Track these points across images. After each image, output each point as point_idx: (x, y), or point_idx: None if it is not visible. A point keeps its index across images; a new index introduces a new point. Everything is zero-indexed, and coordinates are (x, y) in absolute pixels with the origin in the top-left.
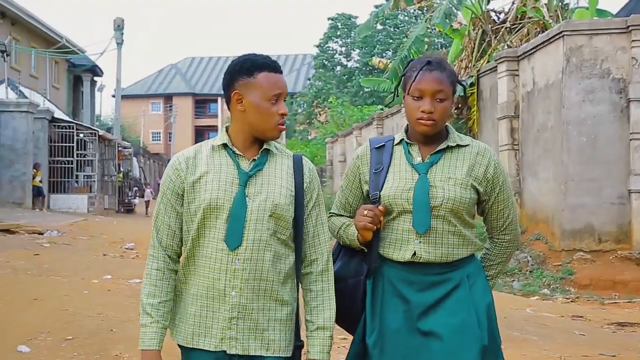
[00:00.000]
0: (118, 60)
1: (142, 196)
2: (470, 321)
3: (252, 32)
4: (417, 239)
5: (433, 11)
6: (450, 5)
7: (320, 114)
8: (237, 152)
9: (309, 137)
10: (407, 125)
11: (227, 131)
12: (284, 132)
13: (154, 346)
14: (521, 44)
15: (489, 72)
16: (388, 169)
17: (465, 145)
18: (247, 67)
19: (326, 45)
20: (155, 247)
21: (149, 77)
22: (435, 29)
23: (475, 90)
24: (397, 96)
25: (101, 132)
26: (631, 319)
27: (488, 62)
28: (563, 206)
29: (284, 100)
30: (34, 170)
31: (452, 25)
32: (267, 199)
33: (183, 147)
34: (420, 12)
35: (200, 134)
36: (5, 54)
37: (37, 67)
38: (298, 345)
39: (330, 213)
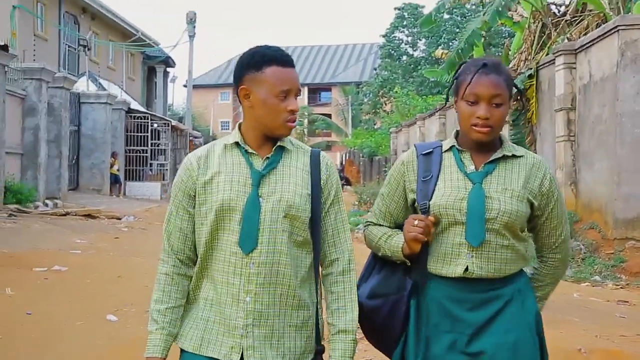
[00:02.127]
0: (190, 53)
1: None
2: (525, 339)
3: (321, 22)
4: (470, 253)
5: (491, 5)
6: (505, 4)
7: (385, 104)
8: (250, 150)
9: (375, 127)
10: (457, 131)
11: (239, 129)
12: (349, 121)
13: (158, 353)
14: (580, 37)
15: (547, 64)
16: (438, 176)
17: (520, 156)
18: (256, 60)
19: (392, 35)
20: (166, 251)
21: (219, 67)
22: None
23: (534, 82)
24: (448, 101)
25: (174, 123)
26: None
27: (547, 54)
28: (616, 196)
29: (297, 95)
30: (112, 158)
31: (512, 18)
32: (282, 198)
33: None
34: (484, 3)
35: None
36: (86, 49)
37: (115, 60)
38: (319, 350)
39: (367, 222)
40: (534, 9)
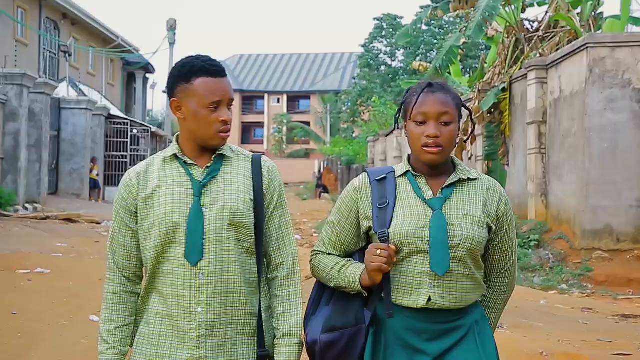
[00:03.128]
0: (170, 60)
1: None
2: None
3: (299, 30)
4: (431, 283)
5: (468, 21)
6: (483, 17)
7: (364, 113)
8: (189, 161)
9: (353, 135)
10: (409, 155)
11: (177, 141)
12: (328, 129)
13: None
14: (552, 53)
15: (520, 78)
16: (395, 203)
17: (474, 179)
18: (185, 72)
19: (371, 45)
20: (112, 269)
21: None
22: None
23: (507, 96)
24: (398, 126)
25: (153, 129)
26: (637, 312)
27: (520, 69)
28: (584, 208)
29: (229, 105)
30: (91, 163)
31: (487, 33)
32: (225, 206)
33: (230, 142)
34: (460, 17)
35: (247, 130)
36: (67, 54)
37: (95, 65)
38: (262, 355)
39: (314, 251)
40: (507, 24)
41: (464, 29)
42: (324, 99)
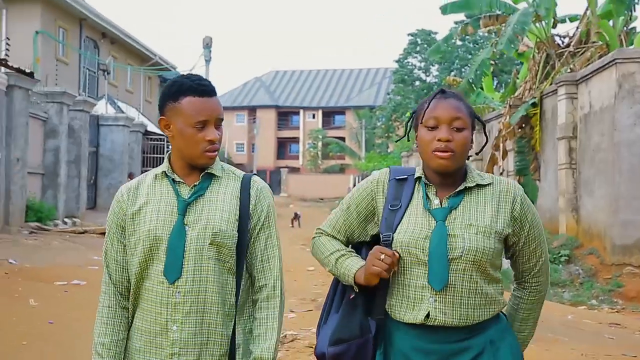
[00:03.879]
0: (206, 77)
1: None
2: None
3: (335, 46)
4: (432, 297)
5: (499, 36)
6: (514, 32)
7: (398, 128)
8: (177, 179)
9: (388, 150)
10: (422, 164)
11: (169, 158)
12: (363, 145)
13: None
14: (583, 68)
15: (550, 94)
16: (406, 208)
17: (486, 185)
18: (173, 91)
19: (405, 61)
20: (106, 283)
21: (234, 89)
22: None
23: (538, 111)
24: (408, 136)
25: None
26: None
27: (551, 84)
28: (614, 222)
29: (217, 125)
30: (129, 179)
31: (517, 49)
32: (207, 226)
33: (266, 158)
34: (493, 32)
35: (283, 145)
36: (105, 72)
37: (133, 83)
38: None
39: (318, 229)
40: (538, 39)
41: (495, 43)
42: (358, 115)
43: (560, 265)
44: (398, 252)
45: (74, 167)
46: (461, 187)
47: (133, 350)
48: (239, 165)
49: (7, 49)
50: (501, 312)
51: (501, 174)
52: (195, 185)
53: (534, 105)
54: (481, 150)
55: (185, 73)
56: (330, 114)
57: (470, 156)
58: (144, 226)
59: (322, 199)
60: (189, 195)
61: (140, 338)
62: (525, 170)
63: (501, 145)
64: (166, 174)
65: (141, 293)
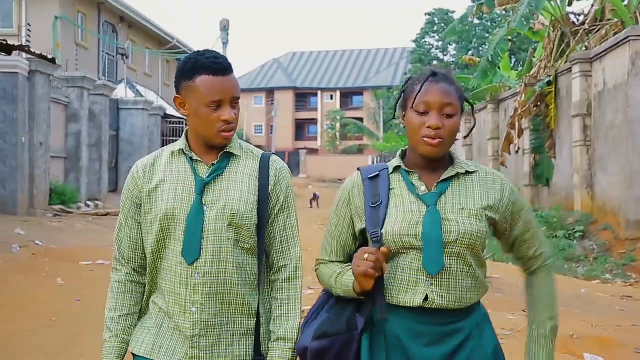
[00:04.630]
0: None
1: None
2: None
3: (353, 27)
4: (429, 281)
5: (514, 14)
6: (529, 10)
7: None
8: (195, 157)
9: None
10: (402, 150)
11: (186, 136)
12: (381, 125)
13: None
14: (597, 46)
15: (565, 72)
16: (388, 202)
17: (473, 172)
18: (188, 69)
19: (423, 40)
20: (118, 260)
21: (252, 72)
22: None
23: (553, 89)
24: (395, 116)
25: None
26: None
27: (566, 62)
28: (628, 198)
29: (233, 104)
30: None
31: (532, 27)
32: (226, 206)
33: (284, 139)
34: (509, 11)
35: (301, 126)
36: (124, 57)
37: (151, 67)
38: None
39: (318, 260)
40: (553, 18)
41: (511, 21)
42: (376, 95)
43: (575, 241)
44: (388, 247)
45: (95, 150)
46: (451, 173)
47: (155, 325)
48: (257, 147)
49: (28, 35)
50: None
51: (517, 152)
52: (213, 165)
53: (549, 83)
54: (469, 134)
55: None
56: (348, 95)
57: (457, 139)
58: (160, 204)
59: (340, 180)
60: (207, 175)
61: (163, 316)
62: (541, 148)
63: (517, 123)
64: (184, 152)
65: (160, 273)
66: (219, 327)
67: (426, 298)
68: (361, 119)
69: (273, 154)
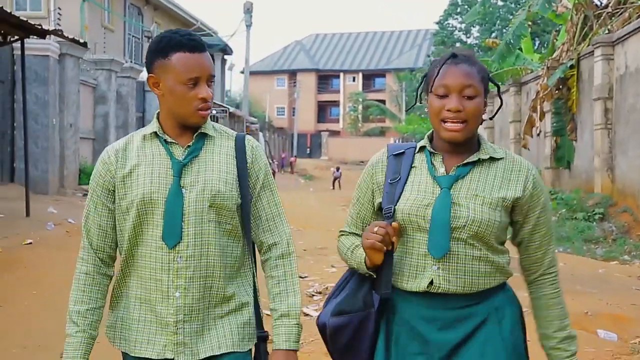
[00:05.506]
0: (247, 42)
1: None
2: None
3: (376, 8)
4: (435, 265)
5: None
6: None
7: None
8: (169, 139)
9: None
10: (431, 131)
11: (157, 118)
12: (403, 107)
13: (79, 358)
14: (620, 29)
15: (587, 55)
16: (407, 180)
17: (499, 159)
18: (162, 47)
19: (446, 22)
20: (86, 249)
21: (274, 53)
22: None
23: (575, 72)
24: (420, 100)
25: (231, 109)
26: None
27: (588, 46)
28: None
29: (209, 82)
30: None
31: (555, 10)
32: (205, 188)
33: (306, 121)
34: None
35: (323, 108)
36: (150, 39)
37: None
38: (261, 336)
39: (340, 231)
40: (576, 1)
41: (532, 5)
42: (399, 77)
43: (594, 223)
44: (397, 223)
45: (122, 132)
46: (474, 158)
47: (131, 321)
48: (280, 129)
49: (58, 19)
50: (507, 282)
51: (538, 134)
52: (189, 146)
53: (571, 67)
54: (495, 114)
55: (224, 38)
56: (370, 77)
57: (484, 120)
58: (136, 189)
59: (362, 162)
60: (183, 157)
61: (140, 307)
62: (562, 131)
63: (539, 106)
64: (157, 134)
65: (137, 260)
66: (203, 312)
67: (431, 282)
68: (383, 101)
69: (247, 134)
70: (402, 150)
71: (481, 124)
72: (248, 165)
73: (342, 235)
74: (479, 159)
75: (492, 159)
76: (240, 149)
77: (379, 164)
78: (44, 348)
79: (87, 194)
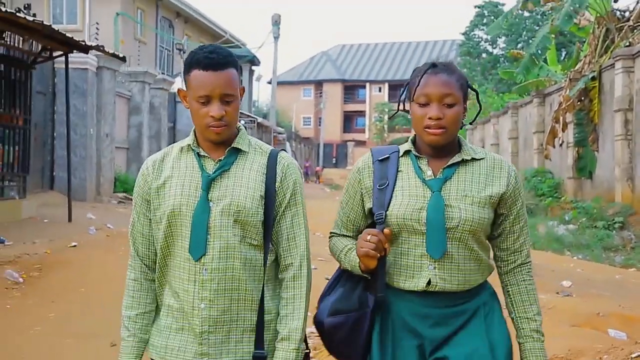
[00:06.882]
0: (275, 54)
1: None
2: (482, 351)
3: (402, 19)
4: (432, 265)
5: (559, 11)
6: (572, 8)
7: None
8: (202, 153)
9: None
10: (414, 136)
11: (194, 131)
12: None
13: None
14: None
15: (609, 68)
16: (395, 184)
17: (480, 159)
18: (187, 63)
19: (472, 33)
20: (133, 257)
21: (301, 64)
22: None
23: (597, 84)
24: (404, 108)
25: (259, 120)
26: None
27: (609, 58)
28: None
29: (223, 100)
30: None
31: (577, 24)
32: (232, 203)
33: (332, 131)
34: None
35: (349, 118)
36: (181, 51)
37: None
38: (257, 356)
39: (330, 233)
40: (598, 14)
41: (555, 19)
42: None
43: (614, 231)
44: (391, 228)
45: (155, 141)
46: (457, 159)
47: (163, 328)
48: (306, 139)
49: (96, 33)
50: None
51: (561, 145)
52: (220, 160)
53: (592, 78)
54: (474, 120)
55: (253, 50)
56: (396, 87)
57: (464, 125)
58: (168, 201)
59: None
60: (213, 171)
61: (173, 315)
62: (584, 142)
63: (561, 117)
64: (191, 147)
65: (169, 270)
66: (228, 324)
67: (429, 282)
68: (409, 112)
69: (282, 150)
70: (387, 155)
71: (461, 128)
72: (277, 183)
73: (333, 236)
74: (462, 159)
75: (473, 160)
76: (271, 166)
77: (365, 169)
78: (94, 337)
79: (121, 202)
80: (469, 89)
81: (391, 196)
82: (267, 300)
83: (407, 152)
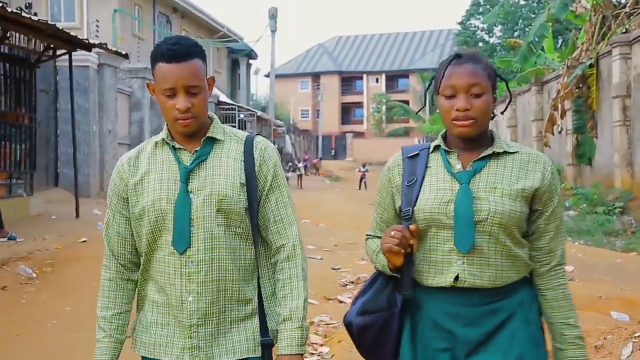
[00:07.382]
0: (272, 47)
1: (295, 170)
2: (530, 355)
3: (398, 9)
4: (460, 260)
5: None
6: None
7: None
8: (177, 146)
9: None
10: (445, 131)
11: (167, 125)
12: (427, 108)
13: None
14: (637, 28)
15: (606, 55)
16: (423, 180)
17: (513, 152)
18: (152, 56)
19: (468, 22)
20: (108, 257)
21: (297, 57)
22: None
23: (594, 71)
24: (431, 102)
25: (259, 113)
26: None
27: (606, 45)
28: None
29: (188, 92)
30: None
31: (574, 11)
32: (212, 192)
33: (330, 123)
34: None
35: (347, 110)
36: None
37: None
38: (266, 344)
39: (366, 235)
40: (594, 1)
41: (551, 7)
42: (422, 78)
43: (615, 216)
44: (417, 225)
45: None
46: (489, 152)
47: (149, 324)
48: (304, 132)
49: (96, 31)
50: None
51: (560, 132)
52: (196, 151)
53: (590, 65)
54: (505, 109)
55: (250, 43)
56: (393, 78)
57: (495, 115)
58: (147, 196)
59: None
60: (190, 162)
61: (158, 311)
62: (583, 129)
63: (559, 105)
64: (166, 141)
65: (153, 265)
66: (217, 316)
67: (457, 278)
68: (407, 102)
69: (257, 134)
70: (417, 152)
71: (492, 118)
72: (256, 168)
73: (369, 238)
74: (494, 152)
75: (506, 153)
76: (248, 151)
77: (395, 168)
78: None
79: None
80: (497, 78)
81: (419, 192)
82: (261, 289)
83: (436, 148)
